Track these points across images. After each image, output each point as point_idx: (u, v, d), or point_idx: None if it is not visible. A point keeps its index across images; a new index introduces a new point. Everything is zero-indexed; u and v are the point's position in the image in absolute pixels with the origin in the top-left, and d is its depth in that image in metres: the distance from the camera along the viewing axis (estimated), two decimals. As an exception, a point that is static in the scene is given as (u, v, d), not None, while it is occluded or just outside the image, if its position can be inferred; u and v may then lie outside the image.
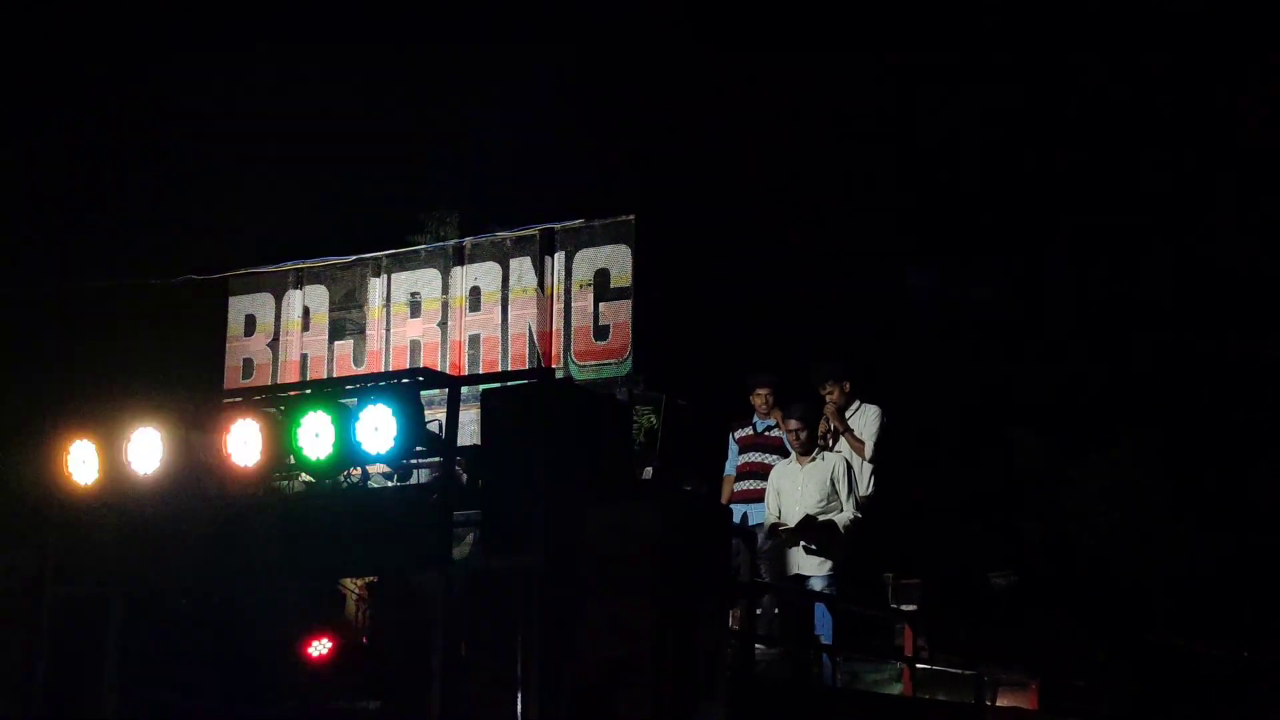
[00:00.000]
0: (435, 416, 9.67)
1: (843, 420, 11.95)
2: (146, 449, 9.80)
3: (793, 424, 11.46)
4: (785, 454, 11.98)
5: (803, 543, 11.24)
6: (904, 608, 12.43)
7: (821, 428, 11.80)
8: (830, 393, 12.14)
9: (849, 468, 11.54)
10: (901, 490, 12.61)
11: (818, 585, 11.26)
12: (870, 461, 11.96)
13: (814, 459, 11.46)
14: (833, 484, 11.38)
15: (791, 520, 11.34)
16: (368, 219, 17.62)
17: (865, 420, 12.10)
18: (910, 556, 12.88)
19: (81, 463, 9.98)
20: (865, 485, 11.88)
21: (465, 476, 9.52)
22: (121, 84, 20.96)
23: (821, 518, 11.27)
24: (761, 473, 12.20)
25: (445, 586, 9.00)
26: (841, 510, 11.37)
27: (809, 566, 11.29)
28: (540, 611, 8.62)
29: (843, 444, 12.00)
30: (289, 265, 12.43)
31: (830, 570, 11.28)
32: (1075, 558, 17.27)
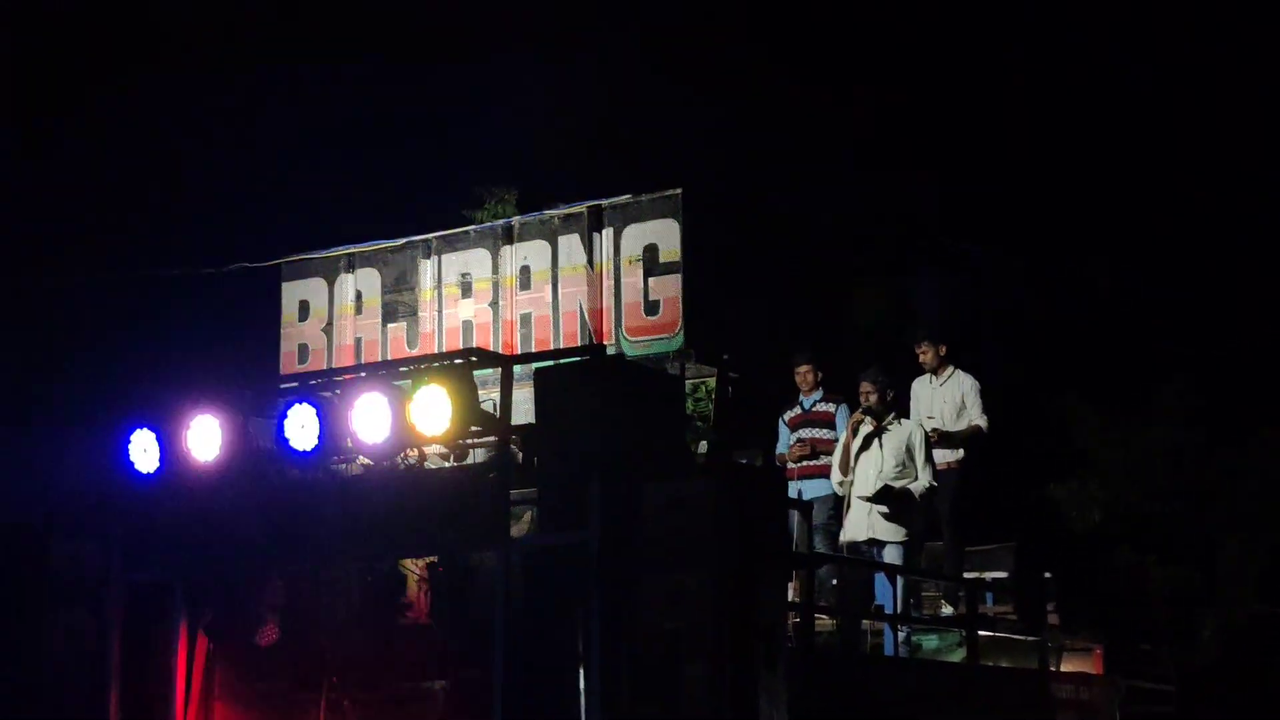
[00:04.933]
0: (489, 396, 9.72)
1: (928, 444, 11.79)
2: (206, 436, 9.90)
3: (865, 386, 11.38)
4: (833, 426, 11.97)
5: (878, 509, 11.21)
6: (987, 575, 12.37)
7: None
8: (925, 353, 12.10)
9: (925, 436, 11.49)
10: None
11: (890, 553, 11.24)
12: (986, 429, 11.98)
13: (889, 425, 11.37)
14: (909, 451, 11.34)
15: (867, 485, 11.31)
16: (423, 200, 17.70)
17: (964, 390, 12.06)
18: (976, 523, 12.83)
19: (143, 451, 10.09)
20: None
21: (521, 455, 9.56)
22: (175, 76, 21.12)
23: (898, 484, 11.25)
24: (816, 448, 12.15)
25: (504, 565, 9.07)
26: (917, 478, 11.33)
27: (882, 531, 11.27)
28: (599, 587, 8.65)
29: (917, 414, 11.97)
30: (340, 250, 12.49)
31: (904, 537, 11.26)
32: (1134, 523, 17.16)
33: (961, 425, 12.01)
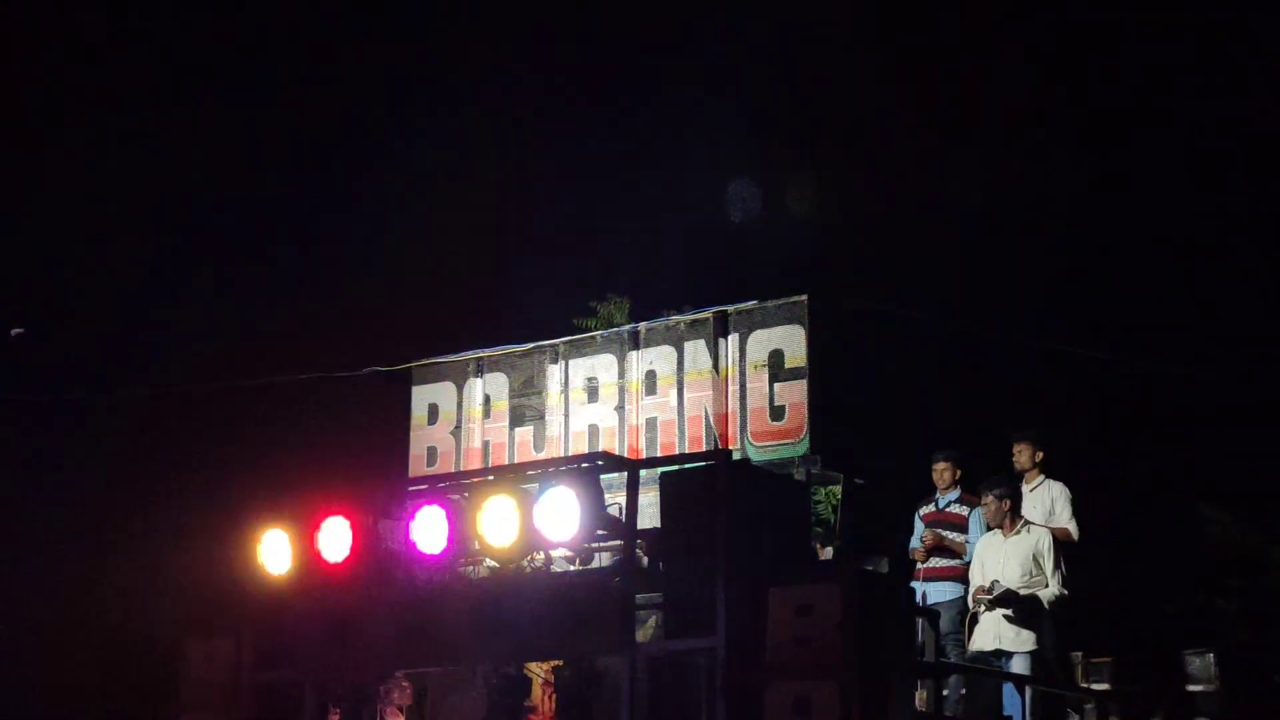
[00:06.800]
0: (615, 500, 9.76)
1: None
2: (336, 538, 10.03)
3: (990, 498, 11.28)
4: (965, 530, 11.85)
5: (1003, 613, 11.03)
6: (1094, 686, 12.14)
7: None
8: (1020, 453, 11.92)
9: (1054, 542, 11.30)
10: (1090, 567, 12.33)
11: (1018, 663, 11.03)
12: (1077, 537, 11.73)
13: (1018, 531, 11.25)
14: (1036, 560, 11.17)
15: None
16: (541, 308, 17.95)
17: (1054, 497, 11.86)
18: (1099, 635, 12.59)
19: (274, 552, 10.25)
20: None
21: (646, 559, 9.57)
22: (302, 184, 21.67)
23: (1024, 593, 11.07)
24: (945, 551, 12.05)
25: (630, 670, 9.05)
26: (1046, 585, 11.15)
27: (1009, 641, 11.07)
28: (725, 694, 8.61)
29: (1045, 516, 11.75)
30: (469, 355, 12.66)
31: (1033, 646, 11.06)
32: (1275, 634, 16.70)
33: (1052, 526, 11.77)
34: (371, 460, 14.14)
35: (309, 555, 10.09)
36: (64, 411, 18.86)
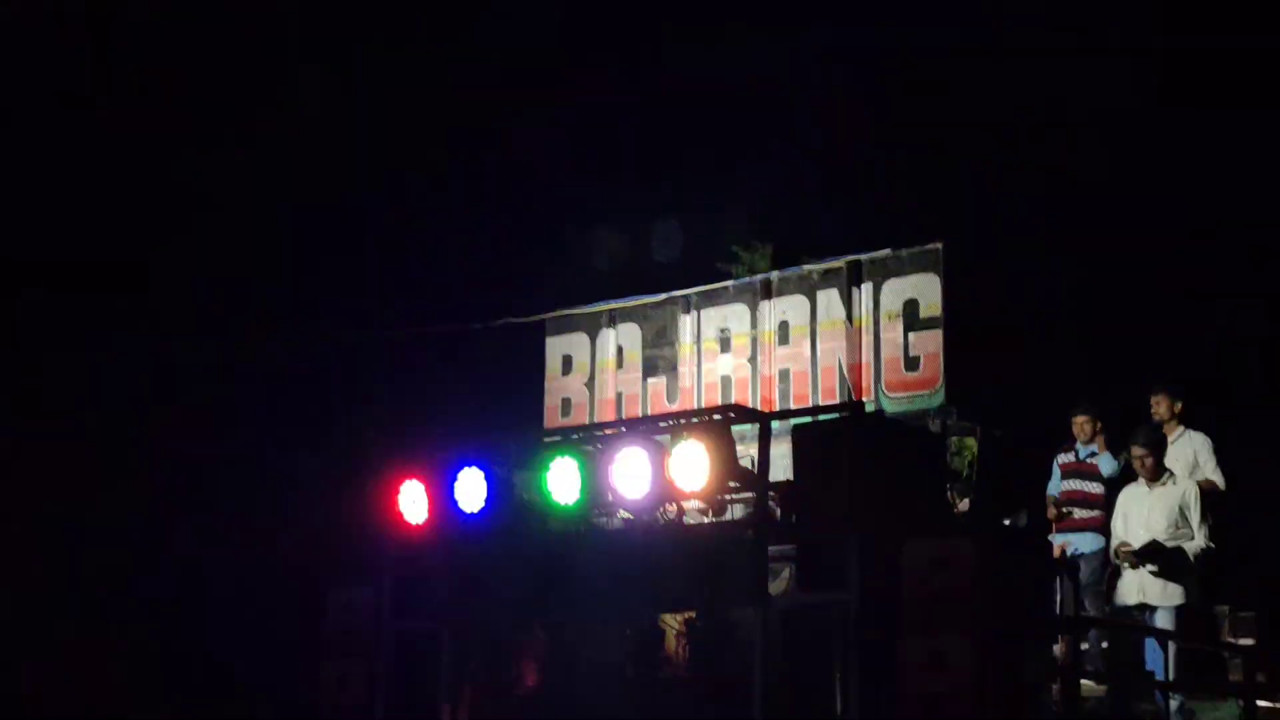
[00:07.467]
0: (748, 451, 9.75)
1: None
2: (472, 488, 10.16)
3: (1137, 450, 11.10)
4: (1102, 481, 11.67)
5: (1147, 567, 10.86)
6: (1240, 641, 11.90)
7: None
8: (1158, 404, 11.74)
9: (1201, 494, 11.09)
10: (1237, 519, 12.08)
11: (1163, 617, 10.86)
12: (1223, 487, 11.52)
13: (1164, 483, 11.07)
14: (1182, 511, 10.98)
15: (1136, 543, 11.01)
16: (682, 255, 17.89)
17: (1196, 448, 11.65)
18: (1245, 589, 12.33)
19: (412, 503, 10.41)
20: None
21: (779, 511, 9.55)
22: (441, 141, 21.82)
23: (1170, 544, 10.89)
24: (1082, 500, 11.90)
25: (762, 623, 9.05)
26: (1193, 538, 10.95)
27: (1155, 595, 10.90)
28: (858, 647, 8.58)
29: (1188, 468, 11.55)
30: (602, 306, 12.71)
31: (1179, 601, 10.88)
32: None
33: (1197, 479, 11.55)
34: (507, 411, 14.26)
35: (445, 506, 10.22)
36: (207, 364, 19.28)
